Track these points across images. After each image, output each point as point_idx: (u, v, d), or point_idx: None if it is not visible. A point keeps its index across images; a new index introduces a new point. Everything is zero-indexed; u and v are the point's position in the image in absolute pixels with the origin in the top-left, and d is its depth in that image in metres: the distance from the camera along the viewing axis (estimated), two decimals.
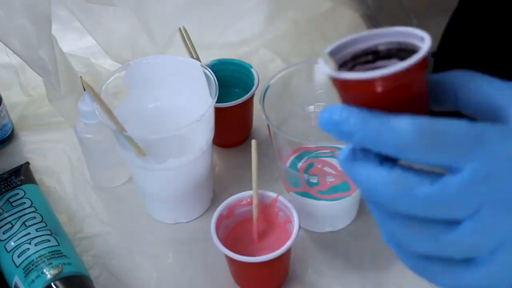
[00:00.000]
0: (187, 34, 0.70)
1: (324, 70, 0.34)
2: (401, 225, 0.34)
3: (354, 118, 0.33)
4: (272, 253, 0.54)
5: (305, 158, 0.62)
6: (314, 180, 0.61)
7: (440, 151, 0.32)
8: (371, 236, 0.65)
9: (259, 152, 0.75)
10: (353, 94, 0.34)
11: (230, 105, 0.69)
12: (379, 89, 0.32)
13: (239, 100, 0.69)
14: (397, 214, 0.33)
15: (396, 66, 0.32)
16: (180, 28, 0.70)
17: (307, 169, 0.62)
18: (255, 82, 0.71)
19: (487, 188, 0.32)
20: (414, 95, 0.34)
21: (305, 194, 0.61)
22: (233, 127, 0.73)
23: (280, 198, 0.59)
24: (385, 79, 0.32)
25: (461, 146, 0.31)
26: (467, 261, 0.34)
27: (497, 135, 0.32)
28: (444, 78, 0.37)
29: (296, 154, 0.62)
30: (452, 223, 0.33)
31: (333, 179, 0.60)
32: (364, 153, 0.34)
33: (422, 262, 0.35)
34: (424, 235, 0.33)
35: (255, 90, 0.71)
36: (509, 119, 0.34)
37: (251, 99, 0.72)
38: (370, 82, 0.32)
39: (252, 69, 0.73)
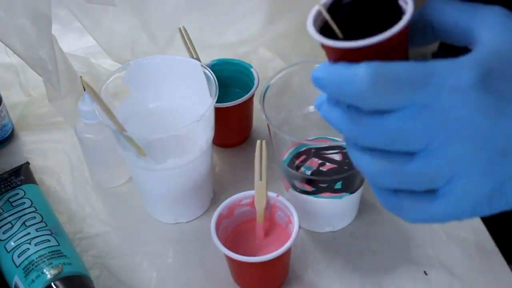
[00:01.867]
0: (187, 34, 0.70)
1: (313, 35, 0.36)
2: (369, 161, 0.36)
3: (325, 72, 0.35)
4: (272, 253, 0.54)
5: (303, 155, 0.63)
6: (309, 172, 0.61)
7: (393, 92, 0.34)
8: (371, 236, 0.65)
9: None
10: (336, 56, 0.36)
11: (230, 105, 0.69)
12: (361, 54, 0.35)
13: (239, 100, 0.69)
14: (364, 149, 0.36)
15: (379, 36, 0.34)
16: (180, 28, 0.70)
17: (304, 163, 0.62)
18: (255, 82, 0.71)
19: (437, 119, 0.34)
20: (393, 52, 0.36)
21: (304, 191, 0.61)
22: (233, 127, 0.73)
23: (280, 198, 0.59)
24: (368, 47, 0.34)
25: (412, 84, 0.33)
26: (430, 193, 0.36)
27: (445, 70, 0.34)
28: (420, 13, 0.39)
29: (292, 148, 0.63)
30: (411, 155, 0.35)
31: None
32: (335, 101, 0.37)
33: (392, 198, 0.38)
34: (387, 168, 0.36)
35: (255, 89, 0.71)
36: (477, 41, 0.36)
37: (251, 99, 0.72)
38: (354, 50, 0.34)
39: (252, 69, 0.73)
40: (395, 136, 0.35)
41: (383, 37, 0.34)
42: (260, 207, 0.59)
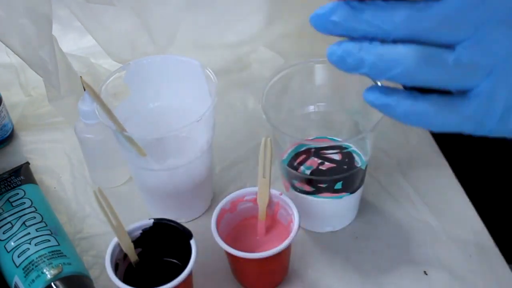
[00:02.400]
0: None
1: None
2: (406, 51, 0.34)
3: None
4: (271, 250, 0.54)
5: (302, 155, 0.63)
6: (309, 171, 0.61)
7: None
8: (371, 236, 0.65)
9: (257, 153, 0.75)
10: None
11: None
12: None
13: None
14: (399, 42, 0.34)
15: None
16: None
17: (304, 162, 0.62)
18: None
19: (485, 7, 0.33)
20: None
21: (303, 191, 0.61)
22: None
23: (283, 196, 0.59)
24: None
25: None
26: (461, 94, 0.35)
27: None
28: None
29: (292, 148, 0.63)
30: (451, 48, 0.34)
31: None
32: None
33: (420, 100, 0.35)
34: (425, 56, 0.34)
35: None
36: None
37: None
38: None
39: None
40: (440, 23, 0.33)
41: None
42: (262, 204, 0.59)
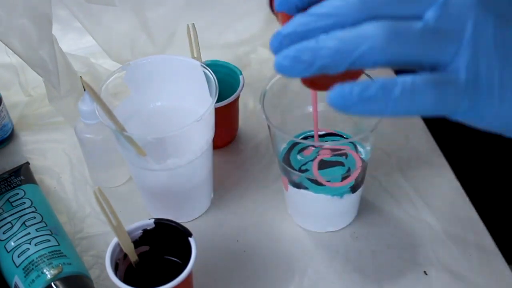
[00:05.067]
0: (195, 32, 0.69)
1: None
2: (374, 28, 0.32)
3: None
4: None
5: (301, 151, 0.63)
6: (303, 158, 0.60)
7: None
8: (371, 236, 0.65)
9: (257, 153, 0.75)
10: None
11: (217, 107, 0.68)
12: None
13: (224, 101, 0.69)
14: (367, 19, 0.32)
15: None
16: (188, 25, 0.68)
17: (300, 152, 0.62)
18: (240, 85, 0.72)
19: None
20: None
21: (302, 180, 0.61)
22: (219, 127, 0.73)
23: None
24: None
25: None
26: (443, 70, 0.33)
27: None
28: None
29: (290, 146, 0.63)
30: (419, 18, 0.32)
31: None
32: None
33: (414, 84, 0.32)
34: (394, 29, 0.32)
35: (239, 92, 0.71)
36: None
37: (236, 101, 0.72)
38: None
39: (240, 76, 0.73)
40: None
41: None
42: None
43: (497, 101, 0.33)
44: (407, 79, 0.32)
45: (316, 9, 0.33)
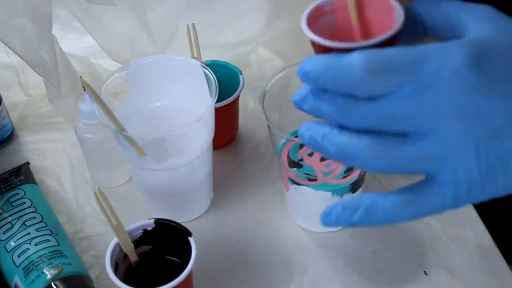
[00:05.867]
0: (195, 32, 0.69)
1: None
2: (360, 145, 0.36)
3: (317, 64, 0.36)
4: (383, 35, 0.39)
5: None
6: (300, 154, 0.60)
7: (389, 76, 0.34)
8: (371, 236, 0.65)
9: (257, 153, 0.75)
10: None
11: (217, 107, 0.68)
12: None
13: (224, 101, 0.69)
14: (355, 135, 0.37)
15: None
16: (188, 25, 0.69)
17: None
18: (240, 85, 0.72)
19: (431, 100, 0.34)
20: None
21: (300, 175, 0.61)
22: (219, 127, 0.73)
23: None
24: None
25: (406, 67, 0.34)
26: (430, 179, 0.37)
27: (438, 51, 0.34)
28: (412, 9, 0.40)
29: (292, 146, 0.63)
30: (404, 138, 0.36)
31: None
32: (322, 92, 0.37)
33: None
34: (380, 151, 0.36)
35: (239, 92, 0.71)
36: (467, 32, 0.37)
37: (236, 101, 0.72)
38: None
39: (240, 76, 0.73)
40: (390, 118, 0.35)
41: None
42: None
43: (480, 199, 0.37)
44: (386, 204, 0.37)
45: (324, 108, 0.38)
